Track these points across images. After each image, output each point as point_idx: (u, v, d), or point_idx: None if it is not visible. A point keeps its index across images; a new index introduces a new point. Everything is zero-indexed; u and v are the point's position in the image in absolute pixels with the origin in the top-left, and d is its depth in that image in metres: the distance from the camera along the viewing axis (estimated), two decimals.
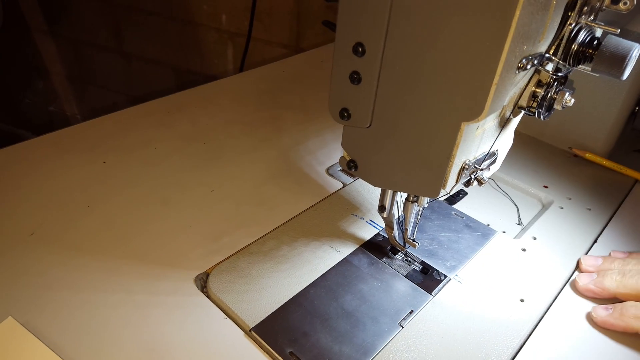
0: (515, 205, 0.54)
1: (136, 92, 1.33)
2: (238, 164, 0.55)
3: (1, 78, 1.31)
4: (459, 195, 0.55)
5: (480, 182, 0.36)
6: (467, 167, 0.33)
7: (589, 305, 0.41)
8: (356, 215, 0.50)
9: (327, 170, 0.57)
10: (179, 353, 0.35)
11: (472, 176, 0.35)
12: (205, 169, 0.54)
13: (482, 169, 0.35)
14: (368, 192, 0.53)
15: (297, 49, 1.10)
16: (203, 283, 0.40)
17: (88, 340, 0.35)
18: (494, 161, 0.37)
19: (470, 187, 0.36)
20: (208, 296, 0.39)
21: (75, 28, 1.35)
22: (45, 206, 0.46)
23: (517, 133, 0.65)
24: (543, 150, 0.63)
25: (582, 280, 0.42)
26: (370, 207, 0.51)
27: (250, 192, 0.51)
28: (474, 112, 0.28)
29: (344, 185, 0.54)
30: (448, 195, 0.52)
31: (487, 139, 0.35)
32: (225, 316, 0.37)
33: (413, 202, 0.41)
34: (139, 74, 1.33)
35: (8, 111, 1.41)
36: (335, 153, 0.59)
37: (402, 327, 0.38)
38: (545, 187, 0.56)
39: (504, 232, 0.50)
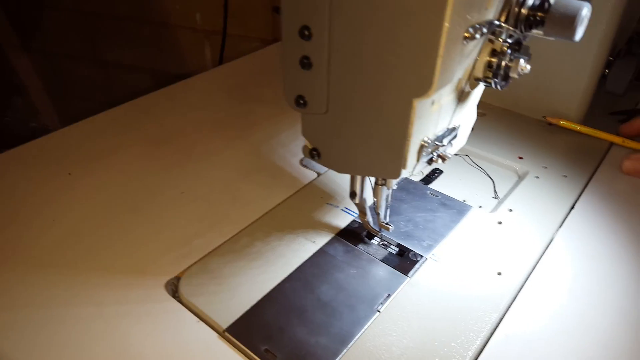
0: (491, 179, 0.53)
1: (116, 100, 1.31)
2: (209, 163, 0.54)
3: None
4: (434, 175, 0.54)
5: (443, 159, 0.35)
6: (426, 144, 0.33)
7: (567, 275, 0.41)
8: (331, 204, 0.49)
9: (301, 161, 0.56)
10: None
11: (435, 153, 0.35)
12: (175, 171, 0.53)
13: (443, 145, 0.34)
14: (342, 180, 0.52)
15: (276, 41, 1.08)
16: (174, 288, 0.40)
17: (56, 358, 0.34)
18: (455, 136, 0.36)
19: (443, 164, 0.36)
20: (180, 301, 0.38)
21: (48, 40, 1.33)
22: (9, 224, 0.45)
23: (490, 106, 0.65)
24: (517, 121, 0.62)
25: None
26: (345, 194, 0.50)
27: (222, 190, 0.51)
28: (424, 87, 0.28)
29: (319, 174, 0.53)
30: (411, 174, 0.52)
31: (446, 115, 0.34)
32: (198, 319, 0.37)
33: (382, 185, 0.40)
34: (118, 81, 1.32)
35: None
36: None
37: (379, 312, 0.37)
38: (520, 158, 0.56)
39: (480, 207, 0.49)
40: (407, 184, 0.52)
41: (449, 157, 0.35)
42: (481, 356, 0.34)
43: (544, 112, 0.62)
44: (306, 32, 0.30)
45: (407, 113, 0.29)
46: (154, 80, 1.26)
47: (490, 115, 0.63)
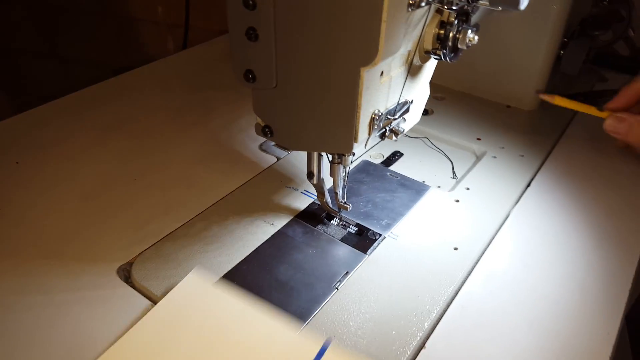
0: (450, 160, 0.54)
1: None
2: (164, 150, 0.53)
3: None
4: (394, 157, 0.54)
5: (396, 134, 0.35)
6: (377, 117, 0.32)
7: (521, 250, 0.41)
8: (290, 187, 0.48)
9: (260, 146, 0.55)
10: (105, 347, 0.33)
11: (387, 128, 0.34)
12: (128, 158, 0.51)
13: (395, 119, 0.34)
14: (302, 163, 0.52)
15: None
16: (127, 274, 0.39)
17: (7, 346, 0.33)
18: (407, 110, 0.36)
19: (402, 146, 0.36)
20: (133, 286, 0.37)
21: (5, 36, 1.28)
22: None
23: (449, 90, 0.65)
24: (476, 104, 0.63)
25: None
26: (304, 177, 0.50)
27: (177, 177, 0.49)
28: (370, 55, 0.28)
29: (278, 159, 0.53)
30: (366, 151, 0.52)
31: (397, 88, 0.34)
32: (152, 303, 0.36)
33: (337, 164, 0.40)
34: (78, 77, 1.28)
35: None
36: None
37: (337, 289, 0.37)
38: (479, 139, 0.56)
39: (439, 187, 0.49)
40: (366, 166, 0.52)
41: (401, 132, 0.35)
42: (437, 327, 0.34)
43: (501, 95, 0.63)
44: (250, 2, 0.29)
45: (355, 83, 0.29)
46: (115, 74, 1.24)
47: (450, 99, 0.64)
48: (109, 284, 0.37)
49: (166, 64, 0.71)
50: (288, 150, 0.54)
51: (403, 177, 0.50)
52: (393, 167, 0.52)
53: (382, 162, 0.53)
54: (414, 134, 0.57)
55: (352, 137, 0.31)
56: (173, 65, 0.71)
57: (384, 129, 0.34)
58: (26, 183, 0.47)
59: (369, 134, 0.33)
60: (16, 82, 1.36)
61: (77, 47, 1.23)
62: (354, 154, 0.39)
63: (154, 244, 0.41)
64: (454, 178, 0.51)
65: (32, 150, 0.51)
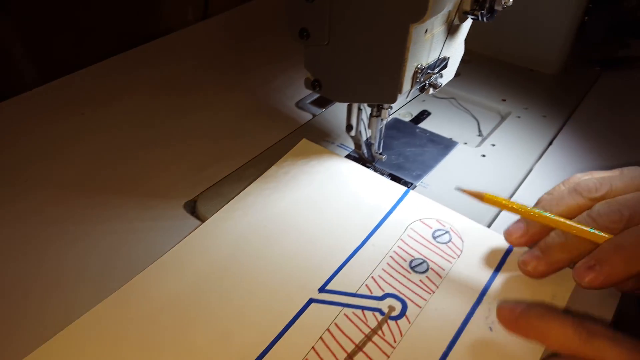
0: (476, 119, 0.57)
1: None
2: (210, 106, 0.58)
3: None
4: (422, 116, 0.58)
5: (434, 87, 0.39)
6: (420, 71, 0.36)
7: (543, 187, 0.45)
8: (327, 141, 0.52)
9: (297, 103, 0.59)
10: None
11: (427, 82, 0.38)
12: (180, 113, 0.56)
13: (435, 73, 0.38)
14: (337, 120, 0.56)
15: None
16: (192, 208, 0.44)
17: (93, 265, 0.39)
18: (445, 66, 0.39)
19: (426, 94, 0.39)
20: (198, 217, 0.42)
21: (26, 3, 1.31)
22: (37, 159, 0.49)
23: (475, 54, 0.68)
24: (500, 68, 0.66)
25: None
26: (340, 132, 0.54)
27: (225, 129, 0.54)
28: (419, 13, 0.31)
29: (314, 116, 0.57)
30: (406, 103, 0.55)
31: (437, 45, 0.38)
32: None
33: (376, 117, 0.43)
34: (94, 43, 1.30)
35: None
36: (302, 88, 0.61)
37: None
38: (504, 100, 0.59)
39: (465, 143, 0.53)
40: (397, 123, 0.55)
41: (439, 86, 0.39)
42: None
43: (526, 59, 0.66)
44: None
45: (404, 39, 0.33)
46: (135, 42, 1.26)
47: (476, 62, 0.67)
48: (177, 216, 0.43)
49: (196, 30, 0.75)
50: (323, 107, 0.58)
51: (432, 133, 0.54)
52: (421, 125, 0.56)
53: (411, 120, 0.57)
54: (442, 95, 0.60)
55: (397, 88, 0.35)
56: (203, 31, 0.75)
57: (424, 83, 0.38)
58: (92, 132, 0.52)
59: (412, 86, 0.36)
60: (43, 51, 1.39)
61: (91, 14, 1.26)
62: (391, 107, 0.42)
63: (213, 184, 0.46)
64: (479, 135, 0.55)
65: (95, 103, 0.56)
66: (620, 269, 0.30)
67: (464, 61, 0.66)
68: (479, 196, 0.37)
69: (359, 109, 0.44)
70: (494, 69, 0.65)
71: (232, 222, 0.41)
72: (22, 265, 0.39)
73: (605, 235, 0.32)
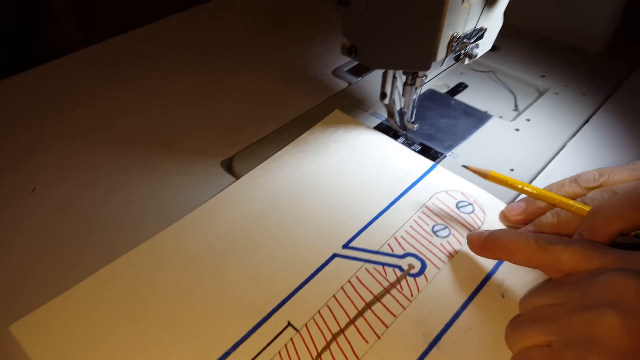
0: (513, 94, 0.57)
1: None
2: (250, 70, 0.59)
3: None
4: (459, 88, 0.58)
5: (470, 57, 0.39)
6: (455, 40, 0.37)
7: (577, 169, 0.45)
8: (361, 109, 0.54)
9: (334, 71, 0.60)
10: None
11: (462, 51, 0.39)
12: (219, 75, 0.58)
13: (470, 43, 0.38)
14: (372, 89, 0.57)
15: None
16: (229, 166, 0.46)
17: (134, 209, 0.42)
18: (482, 36, 0.40)
19: (462, 65, 0.40)
20: (233, 175, 0.45)
21: None
22: (91, 114, 0.53)
23: (517, 29, 0.67)
24: (542, 44, 0.65)
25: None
26: (374, 100, 0.55)
27: (263, 93, 0.56)
28: None
29: (350, 84, 0.58)
30: (440, 73, 0.55)
31: (474, 15, 0.38)
32: None
33: (411, 85, 0.44)
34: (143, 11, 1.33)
35: None
36: (340, 56, 0.62)
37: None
38: (543, 76, 0.59)
39: (501, 117, 0.53)
40: (432, 94, 0.56)
41: (474, 56, 0.39)
42: None
43: (569, 36, 0.65)
44: None
45: (440, 6, 0.33)
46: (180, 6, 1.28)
47: (518, 37, 0.66)
48: (215, 172, 0.46)
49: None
50: (359, 76, 0.59)
51: (467, 106, 0.54)
52: (457, 97, 0.56)
53: (447, 92, 0.57)
54: (480, 68, 0.60)
55: (431, 56, 0.36)
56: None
57: (459, 52, 0.38)
58: (143, 91, 0.56)
59: (446, 55, 0.37)
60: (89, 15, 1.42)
61: None
62: (426, 76, 0.43)
63: (249, 145, 0.48)
64: (515, 110, 0.55)
65: (142, 64, 0.59)
66: (602, 230, 0.32)
67: (505, 36, 0.66)
68: (484, 174, 0.38)
69: (394, 77, 0.45)
70: (536, 45, 0.64)
71: (265, 180, 0.43)
72: (79, 207, 0.43)
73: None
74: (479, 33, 0.39)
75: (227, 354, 0.32)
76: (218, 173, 0.46)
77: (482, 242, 0.35)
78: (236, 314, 0.34)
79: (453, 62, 0.39)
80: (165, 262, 0.37)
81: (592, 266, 0.29)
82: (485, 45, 0.42)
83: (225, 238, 0.38)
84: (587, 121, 0.53)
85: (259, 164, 0.46)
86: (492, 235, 0.34)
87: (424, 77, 0.43)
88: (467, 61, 0.40)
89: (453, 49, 0.37)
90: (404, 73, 0.44)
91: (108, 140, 0.50)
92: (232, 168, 0.46)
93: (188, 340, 0.32)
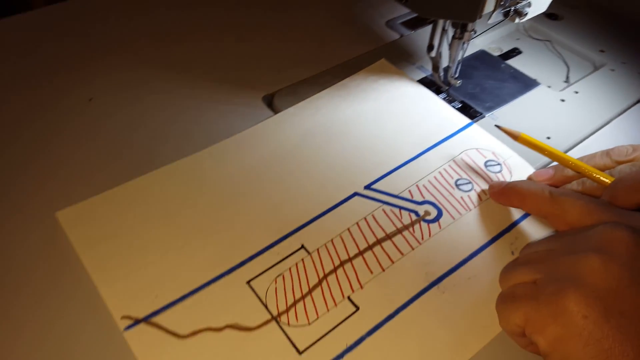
0: (567, 66, 0.56)
1: None
2: (304, 8, 0.60)
3: None
4: (512, 53, 0.57)
5: (520, 15, 0.39)
6: None
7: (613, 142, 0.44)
8: (407, 61, 0.54)
9: (387, 22, 0.60)
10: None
11: (512, 8, 0.38)
12: (267, 15, 0.59)
13: (522, 1, 0.38)
14: (422, 43, 0.56)
15: None
16: (269, 101, 0.48)
17: (179, 128, 0.45)
18: None
19: (513, 22, 0.39)
20: (272, 110, 0.47)
21: None
22: (152, 40, 0.56)
23: (587, 1, 0.64)
24: (608, 18, 0.62)
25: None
26: (422, 55, 0.55)
27: (314, 35, 0.57)
28: None
29: (401, 36, 0.58)
30: (488, 29, 0.54)
31: None
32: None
33: (459, 39, 0.44)
34: None
35: None
36: (395, 8, 0.62)
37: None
38: (602, 51, 0.57)
39: (549, 86, 0.52)
40: (483, 55, 0.55)
41: (524, 15, 0.39)
42: None
43: (636, 9, 0.61)
44: None
45: None
46: None
47: (583, 8, 0.63)
48: (255, 105, 0.48)
49: None
50: (412, 29, 0.59)
51: (516, 70, 0.53)
52: (509, 62, 0.55)
53: (499, 56, 0.56)
54: (537, 36, 0.59)
55: (479, 6, 0.36)
56: None
57: (509, 8, 0.38)
58: (197, 20, 0.58)
59: (495, 8, 0.37)
60: None
61: None
62: (475, 31, 0.43)
63: (292, 84, 0.50)
64: (566, 82, 0.54)
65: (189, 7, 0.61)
66: (621, 199, 0.33)
67: (570, 6, 0.63)
68: (515, 135, 0.39)
69: (443, 30, 0.45)
70: (600, 18, 0.62)
71: (302, 118, 0.45)
72: (129, 118, 0.46)
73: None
74: None
75: (243, 263, 0.34)
76: (258, 106, 0.48)
77: (501, 188, 0.37)
78: (256, 231, 0.36)
79: (502, 18, 0.39)
80: (201, 177, 0.40)
81: (593, 221, 0.31)
82: (539, 5, 0.41)
83: (258, 164, 0.41)
84: (638, 102, 0.51)
85: (298, 102, 0.47)
86: (512, 183, 0.37)
87: (473, 32, 0.43)
88: (517, 20, 0.39)
89: (502, 2, 0.37)
90: (452, 26, 0.44)
91: (162, 61, 0.52)
92: (273, 103, 0.48)
93: (211, 246, 0.35)
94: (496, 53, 0.57)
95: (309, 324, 0.32)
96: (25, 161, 0.42)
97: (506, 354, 0.31)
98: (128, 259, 0.34)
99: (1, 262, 0.35)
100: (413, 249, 0.35)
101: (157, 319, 0.32)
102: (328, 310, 0.32)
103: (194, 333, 0.31)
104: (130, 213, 0.37)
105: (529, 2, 0.39)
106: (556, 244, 0.31)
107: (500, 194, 0.37)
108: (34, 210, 0.38)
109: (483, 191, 0.39)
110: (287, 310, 0.32)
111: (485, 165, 0.41)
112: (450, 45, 0.45)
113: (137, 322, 0.31)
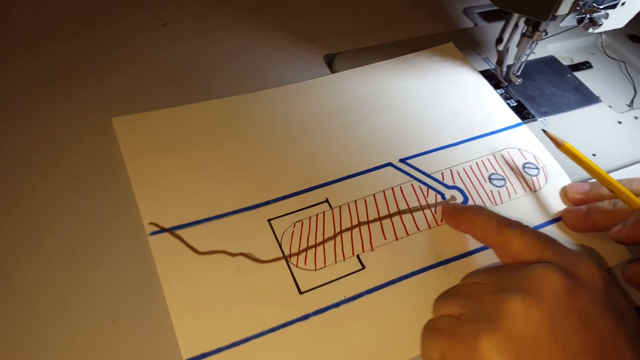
0: (635, 91, 0.54)
1: None
2: None
3: None
4: (582, 66, 0.56)
5: (594, 24, 0.38)
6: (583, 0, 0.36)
7: None
8: (474, 50, 0.54)
9: (465, 9, 0.60)
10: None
11: (588, 15, 0.38)
12: None
13: (599, 9, 0.37)
14: (493, 36, 0.56)
15: None
16: (330, 60, 0.50)
17: (235, 64, 0.47)
18: (614, 7, 0.38)
19: (590, 32, 0.38)
20: (331, 69, 0.48)
21: None
22: None
23: None
24: None
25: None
26: (490, 47, 0.54)
27: (387, 6, 0.57)
28: None
29: (475, 25, 0.57)
30: (558, 32, 0.52)
31: None
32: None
33: (528, 37, 0.44)
34: None
35: None
36: None
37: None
38: None
39: (610, 106, 0.51)
40: (552, 61, 0.54)
41: (599, 25, 0.38)
42: None
43: None
44: None
45: None
46: None
47: None
48: (315, 61, 0.49)
49: None
50: (487, 21, 0.58)
51: (581, 83, 0.52)
52: (576, 74, 0.54)
53: (568, 65, 0.55)
54: (612, 54, 0.57)
55: (553, 6, 0.36)
56: None
57: (585, 15, 0.38)
58: None
59: (569, 12, 0.36)
60: None
61: None
62: (546, 32, 0.42)
63: (355, 49, 0.51)
64: (629, 105, 0.52)
65: None
66: None
67: None
68: (559, 142, 0.39)
69: (515, 25, 0.45)
70: None
71: (357, 82, 0.46)
72: (196, 46, 0.49)
73: None
74: (612, 1, 0.38)
75: (269, 202, 0.37)
76: (318, 63, 0.49)
77: (453, 212, 0.36)
78: (287, 177, 0.38)
79: (575, 24, 0.38)
80: (249, 117, 0.42)
81: (535, 257, 0.29)
82: (617, 19, 0.40)
83: (304, 116, 0.43)
84: None
85: (357, 67, 0.48)
86: (462, 208, 0.35)
87: (544, 33, 0.42)
88: (590, 29, 0.39)
89: (577, 7, 0.36)
90: (525, 22, 0.43)
91: (235, 14, 0.54)
92: (332, 63, 0.50)
93: (244, 180, 0.38)
94: (566, 62, 0.55)
95: (315, 270, 0.33)
96: (98, 66, 0.45)
97: None
98: (167, 174, 0.37)
99: (55, 150, 0.38)
100: (430, 227, 0.36)
101: (180, 232, 0.34)
102: (336, 262, 0.34)
103: (210, 252, 0.34)
104: (179, 134, 0.40)
105: (607, 14, 0.38)
106: (490, 279, 0.30)
107: (451, 218, 0.36)
108: (94, 112, 0.41)
109: (514, 190, 0.40)
110: (298, 253, 0.34)
111: (524, 167, 0.42)
112: (519, 42, 0.45)
113: (162, 230, 0.34)
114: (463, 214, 0.35)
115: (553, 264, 0.28)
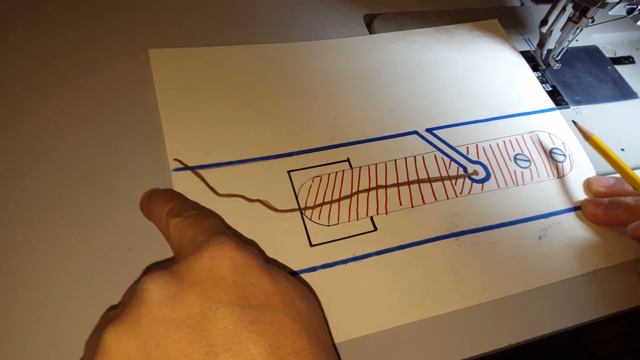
0: None
1: None
2: None
3: None
4: (624, 60, 0.54)
5: None
6: None
7: None
8: (517, 29, 0.52)
9: None
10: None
11: (638, 7, 0.36)
12: None
13: None
14: (538, 18, 0.54)
15: None
16: (369, 21, 0.49)
17: (272, 21, 0.47)
18: None
19: (635, 23, 0.37)
20: (369, 30, 0.48)
21: None
22: None
23: None
24: None
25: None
26: (534, 29, 0.53)
27: None
28: None
29: (522, 5, 0.56)
30: (604, 21, 0.51)
31: None
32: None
33: (574, 22, 0.43)
34: None
35: None
36: None
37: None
38: None
39: None
40: (595, 52, 0.53)
41: None
42: None
43: None
44: None
45: None
46: None
47: None
48: (355, 21, 0.48)
49: None
50: (535, 2, 0.56)
51: (620, 77, 0.51)
52: (617, 67, 0.53)
53: (610, 58, 0.54)
54: None
55: None
56: None
57: (636, 6, 0.36)
58: None
59: (620, 0, 0.35)
60: None
61: None
62: (593, 19, 0.41)
63: (397, 12, 0.50)
64: None
65: None
66: None
67: None
68: (587, 135, 0.39)
69: (563, 9, 0.43)
70: None
71: (395, 46, 0.46)
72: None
73: None
74: None
75: (291, 154, 0.37)
76: (357, 22, 0.49)
77: (146, 199, 0.32)
78: (312, 131, 0.38)
79: (624, 14, 0.37)
80: (284, 66, 0.42)
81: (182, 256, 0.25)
82: None
83: (337, 73, 0.42)
84: None
85: (397, 31, 0.48)
86: (154, 192, 0.32)
87: (590, 20, 0.41)
88: (639, 22, 0.38)
89: None
90: (573, 7, 0.42)
91: None
92: (372, 24, 0.49)
93: (270, 129, 0.38)
94: (609, 54, 0.54)
95: (328, 225, 0.34)
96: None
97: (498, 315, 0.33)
98: (196, 113, 0.38)
99: (87, 74, 0.39)
100: (448, 198, 0.36)
101: (202, 172, 0.35)
102: (349, 220, 0.34)
103: (229, 195, 0.34)
104: (212, 74, 0.40)
105: None
106: (124, 297, 0.26)
107: (143, 206, 0.32)
108: (130, 39, 0.41)
109: (537, 173, 0.39)
110: (313, 207, 0.35)
111: (551, 152, 0.41)
112: (564, 26, 0.44)
113: (185, 167, 0.35)
114: (147, 202, 0.31)
115: (163, 267, 0.23)
